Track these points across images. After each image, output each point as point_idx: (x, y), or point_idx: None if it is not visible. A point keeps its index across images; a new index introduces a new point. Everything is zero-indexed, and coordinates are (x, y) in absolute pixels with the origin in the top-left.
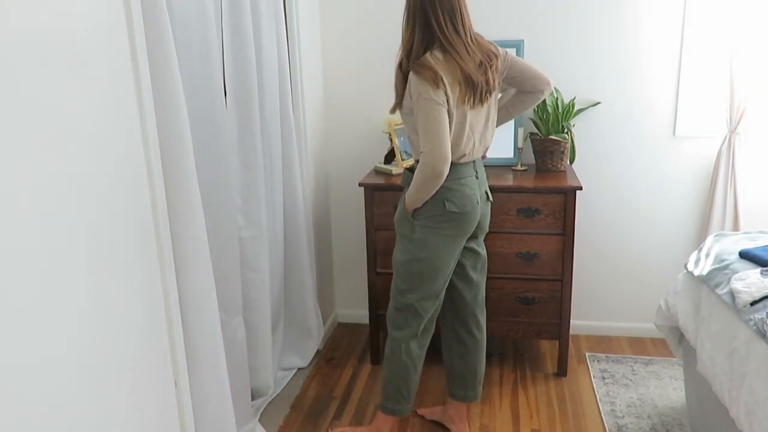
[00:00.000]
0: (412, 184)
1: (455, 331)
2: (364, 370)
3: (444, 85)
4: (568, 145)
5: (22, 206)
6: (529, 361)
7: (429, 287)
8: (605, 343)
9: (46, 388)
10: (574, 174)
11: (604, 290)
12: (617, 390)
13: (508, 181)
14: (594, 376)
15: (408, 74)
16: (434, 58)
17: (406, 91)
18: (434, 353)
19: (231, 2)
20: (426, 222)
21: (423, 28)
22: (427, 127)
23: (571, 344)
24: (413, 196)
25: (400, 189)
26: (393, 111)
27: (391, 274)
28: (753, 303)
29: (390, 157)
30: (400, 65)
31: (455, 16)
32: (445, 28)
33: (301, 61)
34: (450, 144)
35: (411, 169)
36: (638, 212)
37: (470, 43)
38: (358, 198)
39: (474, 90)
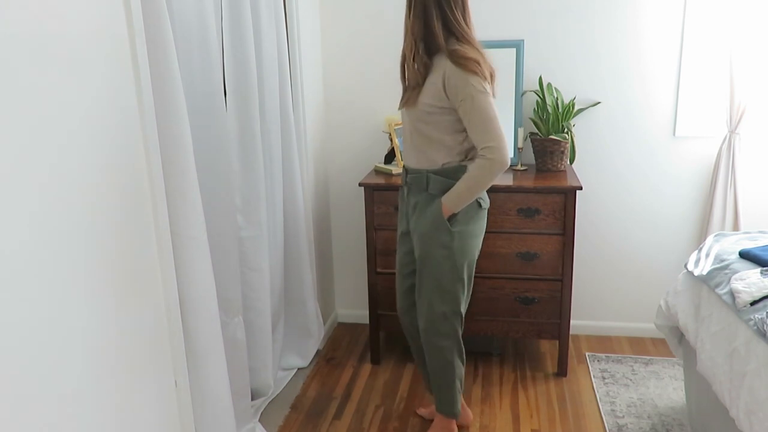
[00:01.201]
0: (465, 185)
1: None
2: (364, 370)
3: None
4: (568, 145)
5: (22, 206)
6: (529, 361)
7: (468, 288)
8: (605, 343)
9: (46, 388)
10: (574, 174)
11: (604, 290)
12: (617, 390)
13: (508, 181)
14: (594, 376)
15: (429, 67)
16: (469, 49)
17: (437, 88)
18: None
19: (231, 2)
20: (463, 226)
21: (437, 20)
22: (489, 122)
23: (571, 344)
24: (465, 197)
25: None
26: (404, 107)
27: (393, 274)
28: (753, 303)
29: (390, 157)
30: (413, 58)
31: (465, 11)
32: (461, 21)
33: (301, 61)
34: None
35: (441, 173)
36: (638, 212)
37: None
38: (358, 198)
39: (493, 83)
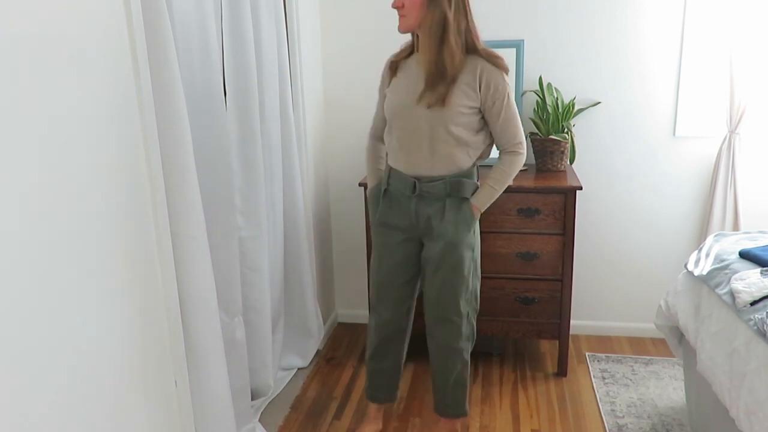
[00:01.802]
0: (500, 184)
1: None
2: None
3: None
4: (568, 145)
5: (22, 206)
6: (529, 361)
7: None
8: (605, 343)
9: (45, 388)
10: (574, 174)
11: (604, 290)
12: (617, 390)
13: None
14: (594, 376)
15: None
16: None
17: (472, 88)
18: None
19: (231, 2)
20: (476, 224)
21: (472, 18)
22: (518, 118)
23: (571, 344)
24: (497, 195)
25: None
26: (434, 106)
27: None
28: (753, 303)
29: None
30: (454, 55)
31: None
32: (473, 20)
33: (301, 61)
34: None
35: (465, 175)
36: (638, 212)
37: None
38: (358, 198)
39: None
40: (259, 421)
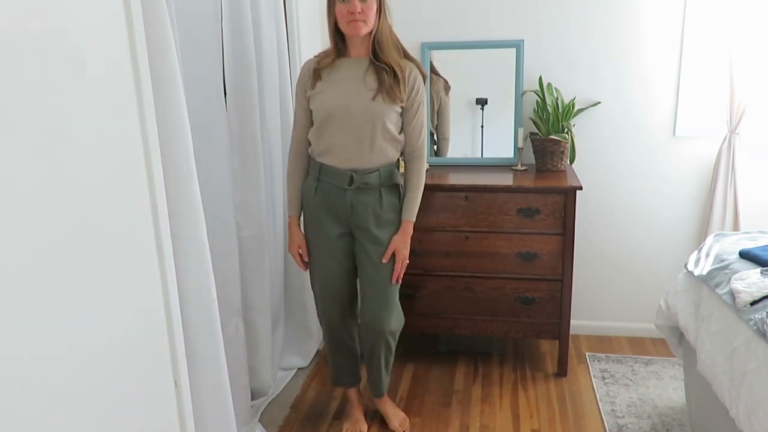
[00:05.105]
0: (419, 185)
1: None
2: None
3: None
4: (568, 145)
5: (21, 206)
6: (529, 361)
7: None
8: (605, 343)
9: (44, 388)
10: (574, 174)
11: (604, 290)
12: (617, 390)
13: (508, 181)
14: (594, 376)
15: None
16: None
17: (404, 89)
18: (435, 353)
19: (231, 2)
20: None
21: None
22: (426, 124)
23: (571, 344)
24: (419, 199)
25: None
26: (390, 100)
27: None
28: (753, 303)
29: None
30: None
31: None
32: None
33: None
34: None
35: (393, 165)
36: (638, 212)
37: None
38: None
39: None
40: (259, 421)
